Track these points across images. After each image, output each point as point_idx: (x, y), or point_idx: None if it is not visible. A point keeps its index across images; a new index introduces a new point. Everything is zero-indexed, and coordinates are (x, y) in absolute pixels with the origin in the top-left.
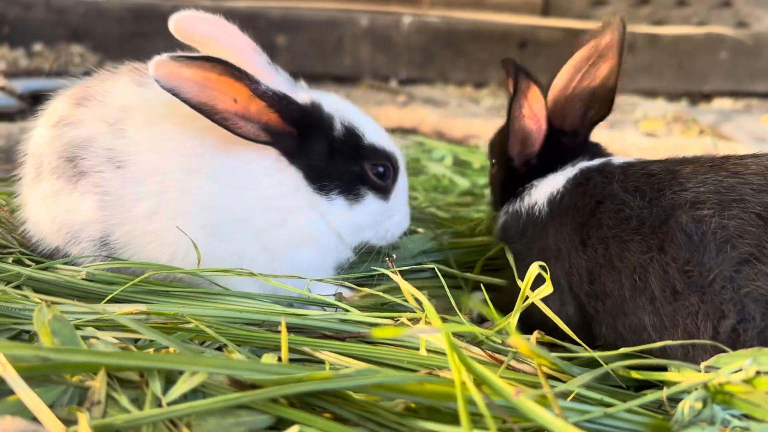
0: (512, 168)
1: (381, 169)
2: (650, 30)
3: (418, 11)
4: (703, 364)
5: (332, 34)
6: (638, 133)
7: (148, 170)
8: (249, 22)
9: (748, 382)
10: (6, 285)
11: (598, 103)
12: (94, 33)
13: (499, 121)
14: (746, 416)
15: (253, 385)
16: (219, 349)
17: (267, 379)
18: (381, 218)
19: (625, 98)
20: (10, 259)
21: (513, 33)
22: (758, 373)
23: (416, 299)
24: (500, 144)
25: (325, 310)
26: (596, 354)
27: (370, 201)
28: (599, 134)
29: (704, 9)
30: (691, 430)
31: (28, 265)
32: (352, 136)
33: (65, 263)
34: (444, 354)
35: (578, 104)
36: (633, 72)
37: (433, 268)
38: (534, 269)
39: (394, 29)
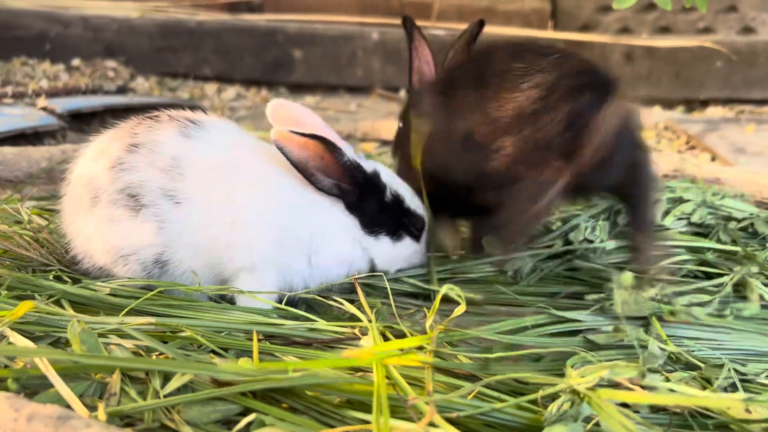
0: None
1: (418, 228)
2: (646, 43)
3: (427, 24)
4: (575, 372)
5: (346, 47)
6: None
7: (215, 202)
8: (268, 36)
9: (592, 389)
10: (48, 299)
11: None
12: (126, 48)
13: None
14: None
15: (228, 383)
16: (213, 351)
17: (238, 379)
18: (413, 254)
19: None
20: (51, 276)
21: None
22: (603, 381)
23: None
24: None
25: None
26: (495, 355)
27: (407, 242)
28: None
29: (710, 14)
30: (556, 425)
31: (66, 281)
32: (397, 201)
33: (102, 281)
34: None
35: None
36: (632, 81)
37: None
38: None
39: (404, 42)
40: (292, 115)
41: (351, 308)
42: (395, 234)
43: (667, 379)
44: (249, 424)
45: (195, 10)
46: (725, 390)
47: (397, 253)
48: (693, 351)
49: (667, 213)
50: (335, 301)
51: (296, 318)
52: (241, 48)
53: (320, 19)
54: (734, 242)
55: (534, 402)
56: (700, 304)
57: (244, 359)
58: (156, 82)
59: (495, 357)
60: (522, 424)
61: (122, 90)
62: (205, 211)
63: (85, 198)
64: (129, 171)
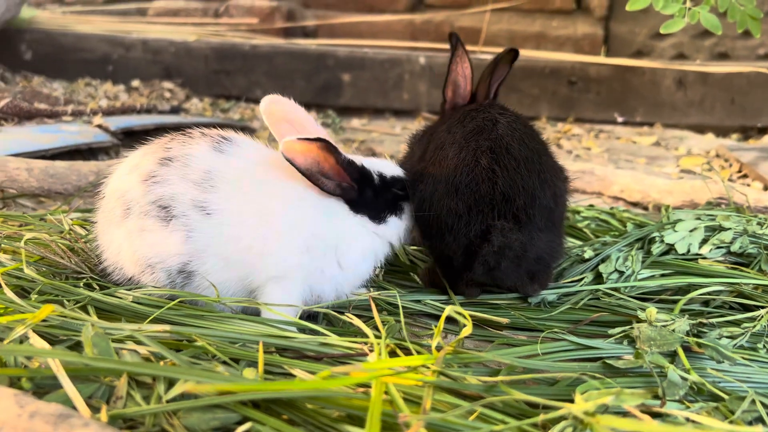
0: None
1: (402, 187)
2: (699, 68)
3: (475, 48)
4: (579, 397)
5: (393, 71)
6: (676, 169)
7: (247, 213)
8: (319, 61)
9: (590, 414)
10: (75, 305)
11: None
12: (183, 70)
13: None
14: None
15: (229, 392)
16: (225, 362)
17: (237, 388)
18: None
19: (675, 132)
20: (81, 283)
21: (563, 69)
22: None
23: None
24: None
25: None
26: (498, 378)
27: (407, 209)
28: (637, 166)
29: None
30: None
31: (95, 288)
32: (383, 178)
33: (128, 289)
34: (393, 372)
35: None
36: (684, 107)
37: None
38: None
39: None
40: (285, 110)
41: (360, 324)
42: (396, 209)
43: (687, 409)
44: None
45: (251, 35)
46: (750, 423)
47: (406, 225)
48: (718, 382)
49: (704, 241)
50: (348, 316)
51: (312, 332)
52: (292, 71)
53: (370, 44)
54: None
55: (536, 425)
56: (731, 337)
57: (248, 369)
58: (209, 103)
59: (503, 379)
60: None
61: (175, 110)
62: (237, 224)
63: (117, 210)
64: (161, 183)
